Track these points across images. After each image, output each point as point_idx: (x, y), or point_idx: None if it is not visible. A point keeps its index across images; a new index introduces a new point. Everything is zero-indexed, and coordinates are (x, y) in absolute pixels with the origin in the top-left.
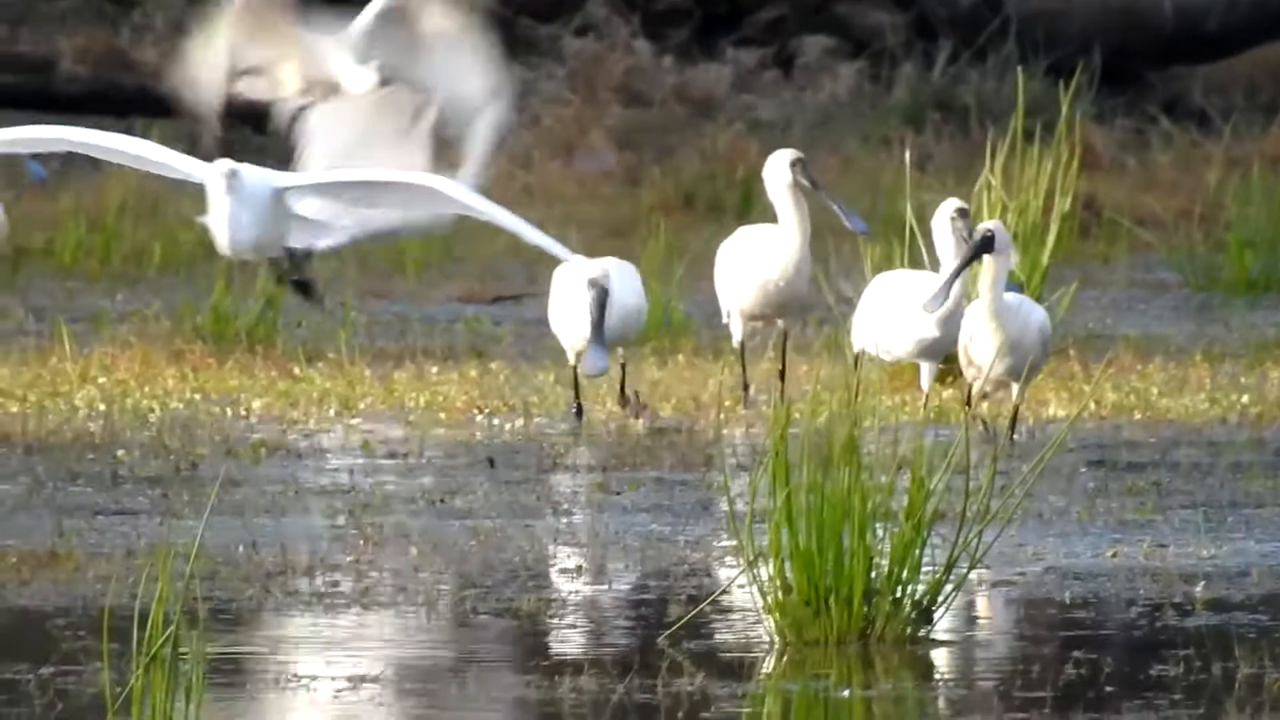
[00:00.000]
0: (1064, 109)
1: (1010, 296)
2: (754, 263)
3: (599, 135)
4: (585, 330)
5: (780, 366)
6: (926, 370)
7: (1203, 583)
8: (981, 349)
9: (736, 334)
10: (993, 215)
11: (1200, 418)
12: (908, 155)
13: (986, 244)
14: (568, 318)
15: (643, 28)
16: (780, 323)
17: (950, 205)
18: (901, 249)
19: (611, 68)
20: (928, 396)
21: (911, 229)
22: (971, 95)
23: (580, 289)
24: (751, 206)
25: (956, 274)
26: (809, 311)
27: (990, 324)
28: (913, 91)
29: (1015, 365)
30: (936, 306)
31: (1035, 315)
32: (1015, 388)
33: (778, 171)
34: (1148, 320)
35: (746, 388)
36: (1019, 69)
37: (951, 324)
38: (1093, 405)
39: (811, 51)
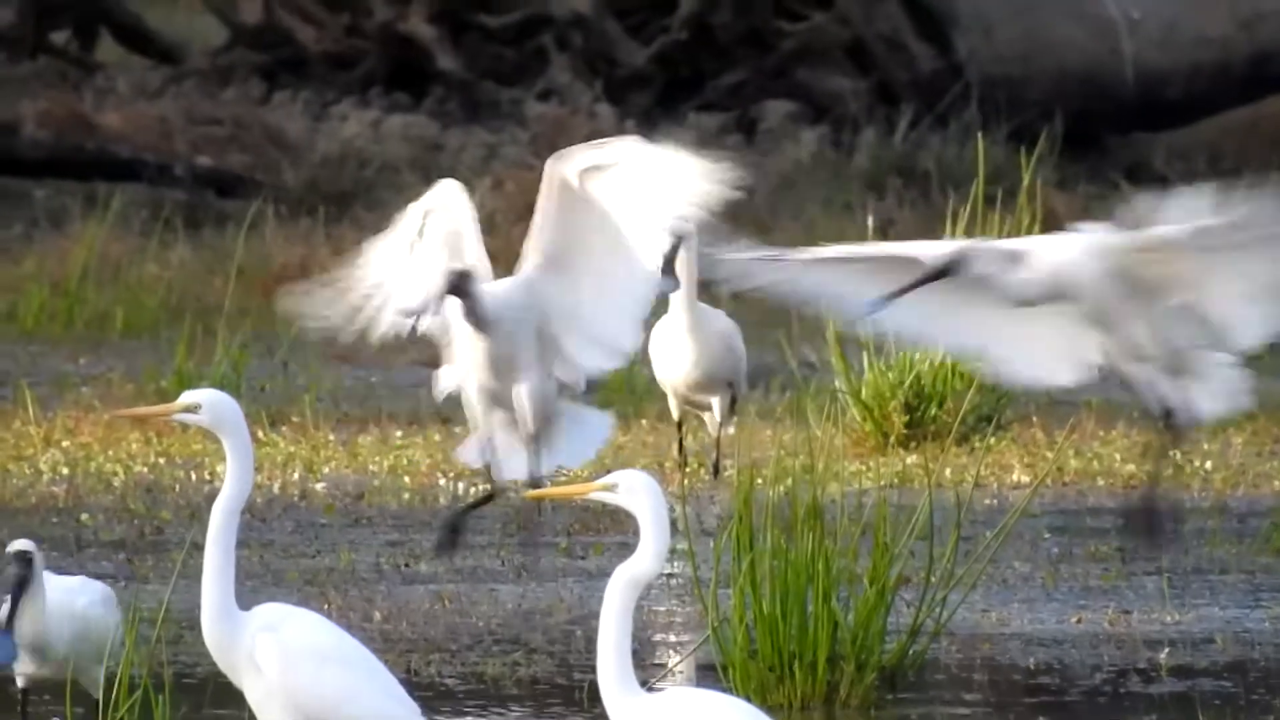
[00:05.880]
0: (1026, 175)
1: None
2: (667, 338)
3: None
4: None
5: (717, 438)
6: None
7: (1167, 649)
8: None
9: (674, 412)
10: None
11: (1164, 484)
12: (869, 221)
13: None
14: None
15: (605, 92)
16: (715, 403)
17: None
18: None
19: (574, 132)
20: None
21: None
22: (933, 161)
23: None
24: None
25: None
26: (738, 386)
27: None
28: (874, 157)
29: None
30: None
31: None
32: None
33: None
34: (1110, 387)
35: (684, 463)
36: (980, 135)
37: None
38: (1056, 471)
39: (773, 117)
